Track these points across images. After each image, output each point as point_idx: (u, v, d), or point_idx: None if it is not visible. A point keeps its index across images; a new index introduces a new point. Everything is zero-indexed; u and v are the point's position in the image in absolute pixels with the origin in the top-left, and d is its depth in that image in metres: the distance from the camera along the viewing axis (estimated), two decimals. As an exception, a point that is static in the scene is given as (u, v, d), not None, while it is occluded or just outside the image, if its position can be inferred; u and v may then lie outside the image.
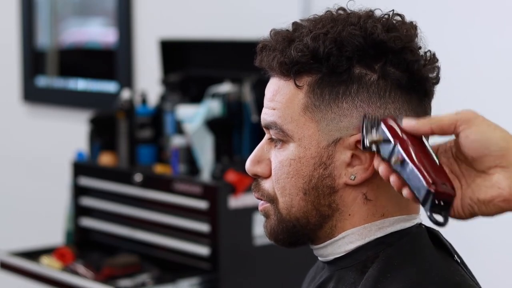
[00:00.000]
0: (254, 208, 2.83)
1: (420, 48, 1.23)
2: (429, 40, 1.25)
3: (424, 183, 1.10)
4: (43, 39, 4.37)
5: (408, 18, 1.26)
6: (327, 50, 1.20)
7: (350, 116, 1.21)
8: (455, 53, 2.69)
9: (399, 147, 1.14)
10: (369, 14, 1.23)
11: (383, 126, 1.17)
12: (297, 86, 1.23)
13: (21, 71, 4.42)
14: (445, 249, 1.24)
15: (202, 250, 2.86)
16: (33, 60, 4.37)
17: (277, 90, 1.25)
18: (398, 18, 1.24)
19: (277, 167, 1.25)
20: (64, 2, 4.34)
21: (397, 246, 1.21)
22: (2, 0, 4.52)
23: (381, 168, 1.16)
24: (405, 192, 1.14)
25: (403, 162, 1.13)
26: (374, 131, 1.18)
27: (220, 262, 2.81)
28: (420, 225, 1.25)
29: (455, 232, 1.39)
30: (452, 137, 1.14)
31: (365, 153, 1.20)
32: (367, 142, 1.18)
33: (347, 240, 1.24)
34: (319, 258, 1.29)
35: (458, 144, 1.13)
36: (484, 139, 1.10)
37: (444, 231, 1.19)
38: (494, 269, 2.66)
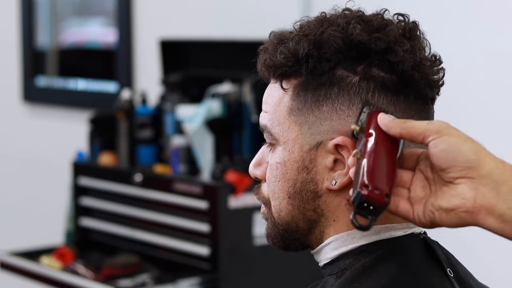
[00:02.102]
0: (254, 208, 2.83)
1: (408, 49, 1.17)
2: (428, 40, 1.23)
3: (359, 183, 1.08)
4: (43, 39, 4.37)
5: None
6: (306, 52, 1.18)
7: (330, 119, 1.18)
8: (454, 53, 2.69)
9: (363, 141, 1.11)
10: (358, 14, 1.20)
11: (366, 117, 1.14)
12: (283, 88, 1.22)
13: (21, 71, 4.42)
14: (438, 263, 1.20)
15: (202, 250, 2.86)
16: (33, 60, 4.37)
17: (269, 92, 1.25)
18: (401, 17, 1.21)
19: (268, 171, 1.25)
20: (64, 2, 4.34)
21: (376, 255, 1.18)
22: (2, 0, 4.52)
23: (350, 159, 1.14)
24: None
25: (360, 157, 1.10)
26: (360, 121, 1.15)
27: (220, 262, 2.81)
28: (418, 235, 1.21)
29: (454, 232, 1.38)
30: None
31: (347, 158, 1.17)
32: (353, 130, 1.16)
33: (332, 246, 1.21)
34: (319, 264, 1.27)
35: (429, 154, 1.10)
36: (453, 150, 1.07)
37: (444, 232, 1.18)
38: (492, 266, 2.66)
